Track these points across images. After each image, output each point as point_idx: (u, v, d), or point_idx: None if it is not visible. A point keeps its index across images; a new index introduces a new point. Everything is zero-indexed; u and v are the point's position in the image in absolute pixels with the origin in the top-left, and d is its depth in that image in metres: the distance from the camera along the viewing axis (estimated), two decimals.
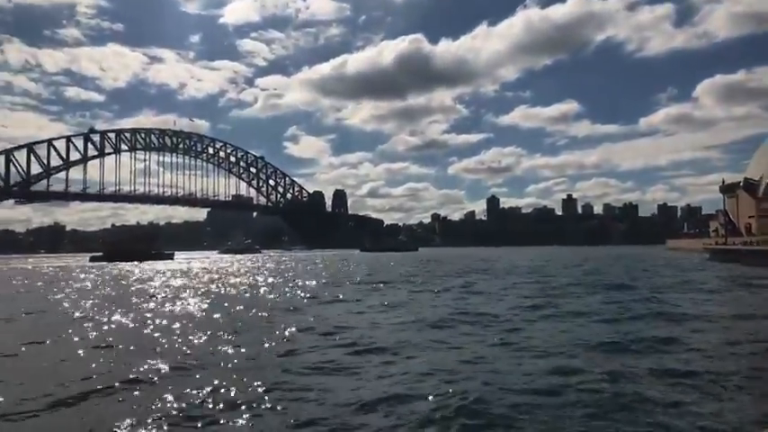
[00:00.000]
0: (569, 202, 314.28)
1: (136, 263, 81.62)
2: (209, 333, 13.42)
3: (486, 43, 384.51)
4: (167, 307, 19.86)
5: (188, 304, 20.70)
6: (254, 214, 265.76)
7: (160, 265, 74.42)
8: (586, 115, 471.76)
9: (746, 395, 7.84)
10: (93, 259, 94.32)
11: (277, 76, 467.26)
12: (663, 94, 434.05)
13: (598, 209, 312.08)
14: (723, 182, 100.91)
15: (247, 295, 24.98)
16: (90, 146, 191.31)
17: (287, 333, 13.54)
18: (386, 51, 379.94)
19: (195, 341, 12.42)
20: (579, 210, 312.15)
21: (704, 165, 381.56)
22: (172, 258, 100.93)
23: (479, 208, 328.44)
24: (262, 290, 27.89)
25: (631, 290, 24.43)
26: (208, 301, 22.12)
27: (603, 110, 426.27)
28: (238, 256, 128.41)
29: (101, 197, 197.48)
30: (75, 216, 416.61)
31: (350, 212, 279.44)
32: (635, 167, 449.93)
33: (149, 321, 15.85)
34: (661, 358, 10.14)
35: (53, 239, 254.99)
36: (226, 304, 20.50)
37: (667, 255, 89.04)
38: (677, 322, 14.61)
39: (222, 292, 27.20)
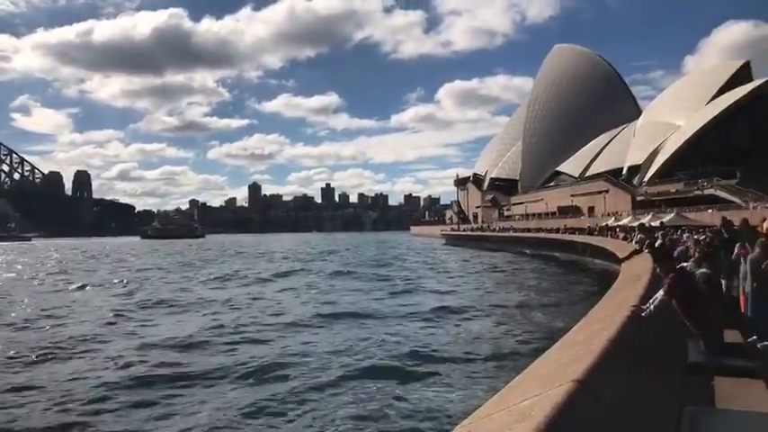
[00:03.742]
0: (328, 191, 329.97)
1: None
2: None
3: (250, 27, 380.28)
4: None
5: None
6: None
7: None
8: (345, 109, 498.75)
9: None
10: None
11: (3, 35, 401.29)
12: (412, 95, 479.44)
13: (354, 198, 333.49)
14: (457, 176, 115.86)
15: None
16: None
17: None
18: (141, 23, 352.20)
19: None
20: (337, 198, 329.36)
21: (443, 160, 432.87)
22: None
23: (241, 195, 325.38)
24: None
25: None
26: None
27: (361, 105, 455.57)
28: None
29: None
30: None
31: (95, 196, 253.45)
32: (386, 160, 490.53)
33: None
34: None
35: None
36: None
37: (411, 239, 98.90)
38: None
39: None
